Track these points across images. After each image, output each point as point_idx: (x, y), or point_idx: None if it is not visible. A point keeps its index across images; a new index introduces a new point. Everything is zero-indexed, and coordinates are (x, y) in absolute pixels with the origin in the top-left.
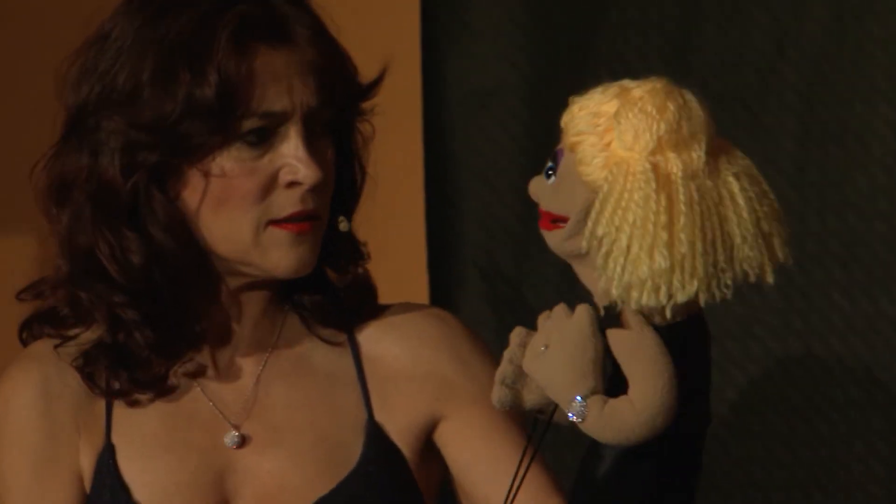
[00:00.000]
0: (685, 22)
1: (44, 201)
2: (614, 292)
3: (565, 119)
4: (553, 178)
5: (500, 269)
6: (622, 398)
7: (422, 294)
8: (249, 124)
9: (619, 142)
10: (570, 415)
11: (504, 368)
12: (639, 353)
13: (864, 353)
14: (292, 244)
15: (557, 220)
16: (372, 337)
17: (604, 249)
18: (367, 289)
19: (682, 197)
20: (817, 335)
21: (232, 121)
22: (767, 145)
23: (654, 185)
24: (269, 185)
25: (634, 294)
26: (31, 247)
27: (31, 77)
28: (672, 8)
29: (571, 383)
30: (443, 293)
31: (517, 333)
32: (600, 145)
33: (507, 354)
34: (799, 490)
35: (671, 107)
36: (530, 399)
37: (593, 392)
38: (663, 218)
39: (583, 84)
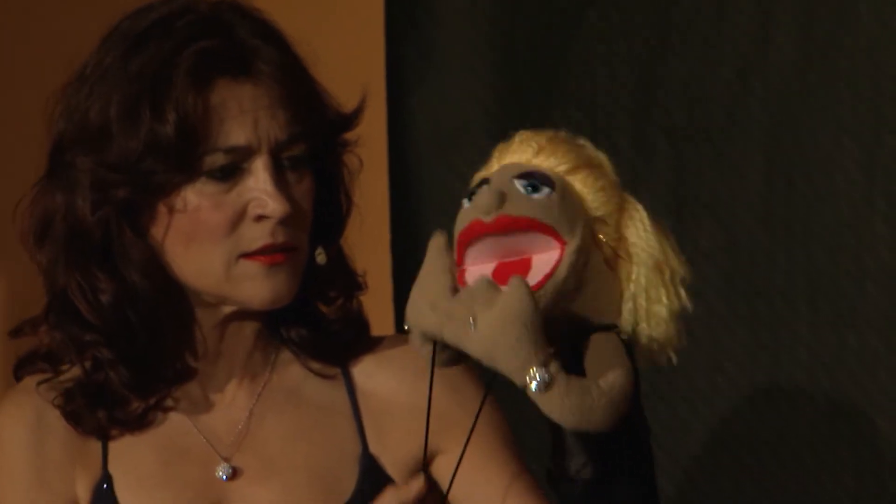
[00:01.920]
0: (651, 56)
1: (27, 240)
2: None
3: (534, 150)
4: (543, 192)
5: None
6: (586, 378)
7: (387, 329)
8: (213, 160)
9: (615, 178)
10: (532, 387)
11: None
12: (609, 346)
13: (830, 387)
14: (265, 276)
15: (530, 230)
16: (366, 370)
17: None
18: (359, 322)
19: None
20: (784, 369)
21: (194, 157)
22: (733, 179)
23: None
24: (238, 219)
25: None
26: None
27: (8, 114)
28: (638, 43)
29: (527, 357)
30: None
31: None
32: (603, 181)
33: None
34: None
35: None
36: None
37: (548, 362)
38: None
39: (550, 120)
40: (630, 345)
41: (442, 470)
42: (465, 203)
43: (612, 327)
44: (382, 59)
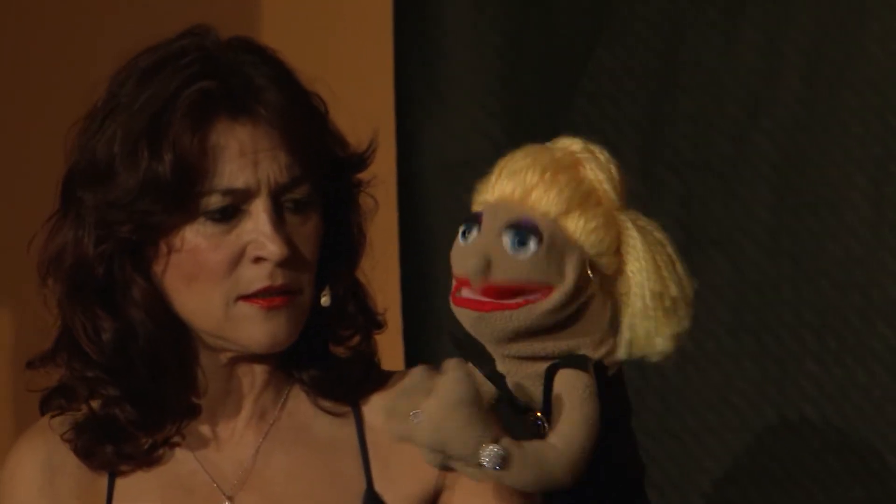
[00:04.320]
0: (659, 91)
1: (41, 275)
2: (659, 344)
3: (527, 186)
4: (529, 249)
5: (474, 339)
6: (541, 442)
7: (397, 364)
8: (213, 201)
9: (617, 201)
10: (488, 465)
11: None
12: (583, 402)
13: (838, 422)
14: (263, 319)
15: (521, 294)
16: (376, 407)
17: (662, 304)
18: (369, 361)
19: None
20: (792, 404)
21: (191, 198)
22: (741, 214)
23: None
24: (237, 260)
25: (662, 344)
26: (7, 319)
27: (12, 151)
28: (646, 77)
29: (480, 436)
30: (417, 363)
31: None
32: (596, 208)
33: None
34: None
35: None
36: None
37: (498, 438)
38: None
39: None
40: (618, 376)
41: None
42: (460, 235)
43: (584, 360)
44: (391, 93)
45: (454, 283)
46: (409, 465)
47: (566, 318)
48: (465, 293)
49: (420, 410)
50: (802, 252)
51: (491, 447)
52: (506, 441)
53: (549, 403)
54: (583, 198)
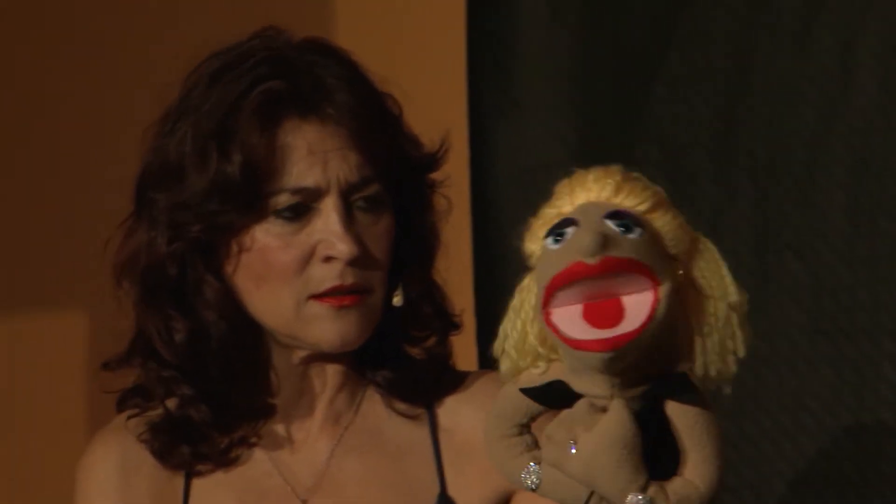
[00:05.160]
0: (733, 95)
1: (115, 278)
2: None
3: (613, 187)
4: (636, 233)
5: None
6: (681, 481)
7: (470, 366)
8: (282, 200)
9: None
10: None
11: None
12: (709, 433)
13: None
14: (334, 318)
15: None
16: (450, 408)
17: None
18: (444, 362)
19: None
20: (868, 408)
21: (260, 198)
22: (816, 219)
23: None
24: (307, 259)
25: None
26: (83, 322)
27: (90, 156)
28: (719, 82)
29: (627, 481)
30: (490, 367)
31: None
32: (679, 219)
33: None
34: None
35: None
36: None
37: (646, 485)
38: None
39: (631, 159)
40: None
41: None
42: (551, 243)
43: (689, 385)
44: (464, 98)
45: (542, 296)
46: (480, 467)
47: (666, 331)
48: (577, 333)
49: (576, 442)
50: (878, 256)
51: (639, 495)
52: (653, 489)
53: (664, 436)
54: (663, 199)
